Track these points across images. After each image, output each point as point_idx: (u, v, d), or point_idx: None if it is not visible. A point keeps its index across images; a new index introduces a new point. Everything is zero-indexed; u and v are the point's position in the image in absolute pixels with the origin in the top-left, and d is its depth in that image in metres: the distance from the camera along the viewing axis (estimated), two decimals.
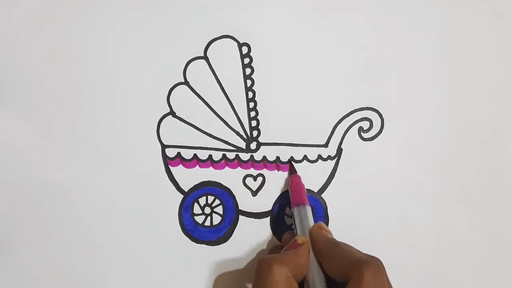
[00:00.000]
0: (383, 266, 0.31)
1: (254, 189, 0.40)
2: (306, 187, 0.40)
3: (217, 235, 0.39)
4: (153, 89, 0.39)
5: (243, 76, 0.40)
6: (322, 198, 0.40)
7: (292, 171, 0.39)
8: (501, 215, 0.40)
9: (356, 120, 0.40)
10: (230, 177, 0.39)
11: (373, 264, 0.31)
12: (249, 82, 0.40)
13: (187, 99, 0.40)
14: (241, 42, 0.40)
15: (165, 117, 0.39)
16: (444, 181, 0.40)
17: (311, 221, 0.36)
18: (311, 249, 0.34)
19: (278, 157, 0.40)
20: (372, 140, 0.40)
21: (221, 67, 0.40)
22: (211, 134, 0.40)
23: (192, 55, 0.40)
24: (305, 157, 0.40)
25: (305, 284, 0.33)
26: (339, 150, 0.40)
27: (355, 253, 0.32)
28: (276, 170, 0.40)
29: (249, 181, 0.40)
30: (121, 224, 0.39)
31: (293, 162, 0.39)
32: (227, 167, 0.40)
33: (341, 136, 0.40)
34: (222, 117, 0.40)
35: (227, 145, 0.40)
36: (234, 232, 0.39)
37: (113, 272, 0.39)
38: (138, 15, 0.40)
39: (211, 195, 0.39)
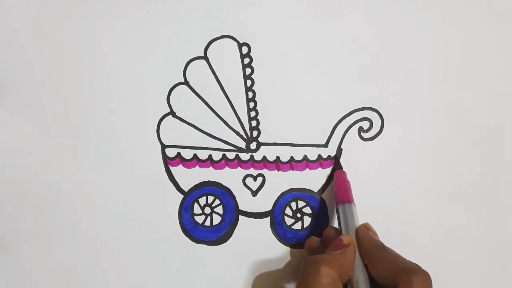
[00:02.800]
0: (430, 277, 0.31)
1: (254, 189, 0.40)
2: (306, 187, 0.40)
3: (217, 235, 0.39)
4: (153, 89, 0.39)
5: (243, 76, 0.40)
6: (322, 198, 0.40)
7: (338, 167, 0.39)
8: (501, 215, 0.40)
9: (356, 120, 0.40)
10: (230, 177, 0.39)
11: (423, 274, 0.30)
12: (249, 82, 0.40)
13: (187, 99, 0.40)
14: (241, 42, 0.40)
15: (165, 117, 0.39)
16: (444, 181, 0.40)
17: (357, 221, 0.35)
18: (357, 250, 0.33)
19: (278, 157, 0.40)
20: (372, 140, 0.40)
21: (221, 67, 0.40)
22: (211, 134, 0.40)
23: (192, 55, 0.40)
24: (305, 157, 0.40)
25: (349, 286, 0.33)
26: (339, 150, 0.40)
27: (404, 260, 0.32)
28: (276, 170, 0.40)
29: (249, 181, 0.40)
30: (121, 224, 0.39)
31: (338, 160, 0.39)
32: (227, 167, 0.40)
33: (341, 136, 0.40)
34: (222, 117, 0.40)
35: (227, 145, 0.40)
36: (234, 232, 0.39)
37: (113, 272, 0.39)
38: (138, 15, 0.40)
39: (211, 195, 0.39)
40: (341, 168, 0.39)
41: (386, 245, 0.34)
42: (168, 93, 0.40)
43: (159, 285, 0.39)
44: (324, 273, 0.30)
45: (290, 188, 0.40)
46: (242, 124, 0.40)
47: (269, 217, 0.40)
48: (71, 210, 0.39)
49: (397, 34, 0.40)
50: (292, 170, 0.40)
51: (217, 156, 0.40)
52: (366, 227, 0.35)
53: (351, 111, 0.40)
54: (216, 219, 0.39)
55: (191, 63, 0.40)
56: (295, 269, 0.39)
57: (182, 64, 0.40)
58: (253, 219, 0.39)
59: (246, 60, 0.40)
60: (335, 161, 0.39)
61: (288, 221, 0.40)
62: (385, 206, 0.40)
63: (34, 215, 0.39)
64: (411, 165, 0.40)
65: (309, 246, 0.37)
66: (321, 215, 0.40)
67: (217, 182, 0.39)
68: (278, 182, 0.40)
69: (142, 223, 0.39)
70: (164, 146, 0.39)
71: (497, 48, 0.41)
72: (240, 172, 0.40)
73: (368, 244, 0.34)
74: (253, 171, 0.40)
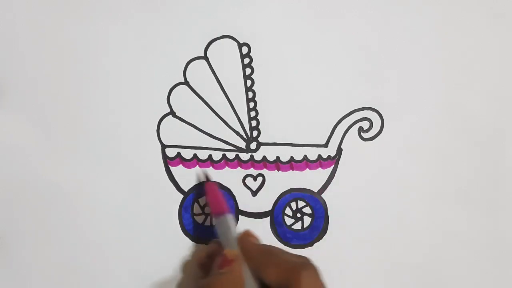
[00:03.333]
0: (318, 268, 0.32)
1: (254, 189, 0.40)
2: (306, 187, 0.40)
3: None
4: (153, 89, 0.39)
5: (243, 76, 0.40)
6: (322, 198, 0.40)
7: (207, 179, 0.38)
8: (501, 215, 0.40)
9: (356, 120, 0.40)
10: (230, 177, 0.39)
11: (309, 267, 0.31)
12: (249, 82, 0.40)
13: (187, 99, 0.40)
14: (241, 42, 0.40)
15: (165, 117, 0.39)
16: (444, 181, 0.40)
17: (234, 230, 0.35)
18: (244, 261, 0.33)
19: (278, 157, 0.40)
20: (372, 140, 0.40)
21: (221, 67, 0.40)
22: (211, 134, 0.40)
23: (192, 55, 0.40)
24: (305, 157, 0.40)
25: None
26: (339, 150, 0.40)
27: (290, 258, 0.32)
28: (276, 170, 0.40)
29: (249, 181, 0.40)
30: (121, 224, 0.39)
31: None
32: (227, 167, 0.40)
33: (341, 136, 0.40)
34: (222, 117, 0.40)
35: (227, 145, 0.40)
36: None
37: (113, 272, 0.39)
38: (138, 15, 0.40)
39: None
40: (211, 179, 0.38)
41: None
42: (168, 93, 0.40)
43: (159, 285, 0.39)
44: None
45: (290, 188, 0.40)
46: (242, 124, 0.40)
47: (269, 217, 0.40)
48: (71, 210, 0.39)
49: (397, 34, 0.40)
50: (292, 170, 0.40)
51: (217, 156, 0.40)
52: (247, 234, 0.35)
53: (351, 111, 0.40)
54: None
55: (191, 63, 0.40)
56: None
57: (182, 64, 0.40)
58: (253, 219, 0.39)
59: (246, 60, 0.40)
60: (203, 173, 0.38)
61: (288, 221, 0.40)
62: (385, 206, 0.40)
63: (34, 215, 0.39)
64: (411, 165, 0.40)
65: (198, 262, 0.37)
66: (321, 215, 0.40)
67: (217, 182, 0.39)
68: (278, 182, 0.40)
69: (142, 223, 0.39)
70: (164, 146, 0.39)
71: (497, 48, 0.40)
72: (240, 172, 0.40)
73: (252, 251, 0.33)
74: (253, 171, 0.40)
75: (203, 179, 0.39)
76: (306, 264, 0.31)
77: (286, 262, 0.32)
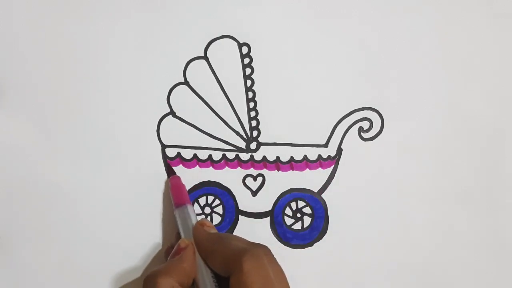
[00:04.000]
0: (266, 252, 0.31)
1: (254, 189, 0.40)
2: (306, 187, 0.40)
3: None
4: (153, 89, 0.39)
5: (243, 76, 0.40)
6: (322, 198, 0.40)
7: (171, 173, 0.39)
8: (501, 215, 0.40)
9: (356, 120, 0.40)
10: (230, 177, 0.39)
11: (252, 252, 0.30)
12: (249, 82, 0.40)
13: (187, 99, 0.40)
14: (241, 42, 0.40)
15: (165, 117, 0.39)
16: (444, 181, 0.40)
17: (194, 221, 0.35)
18: (196, 249, 0.33)
19: (278, 157, 0.40)
20: (372, 140, 0.40)
21: (221, 67, 0.40)
22: (211, 134, 0.40)
23: (192, 55, 0.40)
24: (305, 157, 0.40)
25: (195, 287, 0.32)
26: (339, 150, 0.40)
27: (236, 244, 0.32)
28: (276, 170, 0.40)
29: (249, 181, 0.40)
30: (121, 224, 0.39)
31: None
32: (227, 167, 0.40)
33: (341, 136, 0.40)
34: (222, 117, 0.40)
35: (227, 145, 0.40)
36: (234, 232, 0.39)
37: (113, 272, 0.39)
38: (138, 15, 0.40)
39: (211, 195, 0.39)
40: (174, 173, 0.39)
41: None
42: (168, 93, 0.40)
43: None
44: (163, 284, 0.30)
45: (290, 188, 0.40)
46: (242, 124, 0.40)
47: (269, 217, 0.40)
48: (71, 210, 0.39)
49: (397, 34, 0.40)
50: (292, 170, 0.40)
51: (217, 156, 0.40)
52: (201, 223, 0.35)
53: (351, 111, 0.40)
54: (216, 219, 0.39)
55: (191, 63, 0.40)
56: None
57: (182, 64, 0.40)
58: (253, 219, 0.39)
59: (246, 60, 0.40)
60: (168, 168, 0.39)
61: (288, 221, 0.40)
62: (385, 206, 0.40)
63: (34, 215, 0.39)
64: (411, 165, 0.40)
65: (165, 253, 0.37)
66: (321, 215, 0.40)
67: (217, 182, 0.39)
68: (278, 182, 0.40)
69: (142, 223, 0.39)
70: (164, 146, 0.39)
71: (497, 48, 0.40)
72: (240, 172, 0.40)
73: (203, 239, 0.33)
74: (253, 171, 0.40)
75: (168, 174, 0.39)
76: (248, 250, 0.30)
77: (230, 249, 0.31)
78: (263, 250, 0.31)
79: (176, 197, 0.37)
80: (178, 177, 0.38)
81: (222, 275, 0.32)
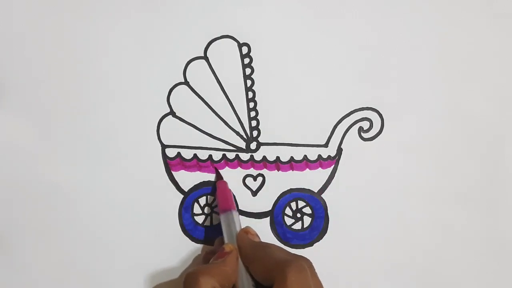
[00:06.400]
0: (309, 265, 0.31)
1: (254, 189, 0.40)
2: (306, 187, 0.40)
3: (217, 235, 0.39)
4: (153, 89, 0.40)
5: (243, 76, 0.40)
6: (322, 198, 0.40)
7: (218, 177, 0.39)
8: (501, 215, 0.40)
9: (356, 120, 0.40)
10: (230, 177, 0.39)
11: (296, 264, 0.30)
12: (249, 82, 0.40)
13: (187, 99, 0.40)
14: (241, 42, 0.40)
15: (165, 117, 0.40)
16: (444, 181, 0.40)
17: (238, 227, 0.36)
18: (239, 255, 0.33)
19: (278, 157, 0.40)
20: (372, 140, 0.40)
21: (221, 67, 0.40)
22: (211, 134, 0.40)
23: (192, 55, 0.40)
24: (305, 157, 0.40)
25: None
26: (339, 150, 0.40)
27: (279, 254, 0.32)
28: (276, 170, 0.40)
29: (249, 181, 0.40)
30: (121, 224, 0.39)
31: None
32: (227, 167, 0.40)
33: (341, 136, 0.40)
34: (222, 117, 0.40)
35: (227, 145, 0.40)
36: None
37: (113, 272, 0.39)
38: (138, 15, 0.40)
39: (211, 195, 0.39)
40: (222, 178, 0.39)
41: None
42: (168, 93, 0.40)
43: (159, 284, 0.39)
44: (204, 283, 0.30)
45: (290, 188, 0.40)
46: (242, 124, 0.40)
47: (269, 217, 0.40)
48: (71, 210, 0.39)
49: (397, 34, 0.40)
50: (292, 170, 0.40)
51: (217, 156, 0.40)
52: (245, 231, 0.35)
53: (351, 111, 0.40)
54: (216, 219, 0.39)
55: (191, 63, 0.40)
56: None
57: (182, 64, 0.40)
58: (253, 219, 0.39)
59: (246, 60, 0.40)
60: (216, 172, 0.39)
61: (288, 221, 0.40)
62: (385, 206, 0.40)
63: (34, 215, 0.39)
64: (411, 165, 0.40)
65: (205, 260, 0.36)
66: (321, 215, 0.40)
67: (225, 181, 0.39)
68: (278, 182, 0.40)
69: (142, 223, 0.39)
70: (164, 146, 0.39)
71: (497, 48, 0.40)
72: (240, 172, 0.40)
73: (246, 247, 0.34)
74: (253, 171, 0.40)
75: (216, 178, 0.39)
76: (292, 261, 0.31)
77: (273, 259, 0.32)
78: (307, 262, 0.32)
79: (222, 202, 0.37)
80: (225, 182, 0.38)
81: (263, 283, 0.32)
